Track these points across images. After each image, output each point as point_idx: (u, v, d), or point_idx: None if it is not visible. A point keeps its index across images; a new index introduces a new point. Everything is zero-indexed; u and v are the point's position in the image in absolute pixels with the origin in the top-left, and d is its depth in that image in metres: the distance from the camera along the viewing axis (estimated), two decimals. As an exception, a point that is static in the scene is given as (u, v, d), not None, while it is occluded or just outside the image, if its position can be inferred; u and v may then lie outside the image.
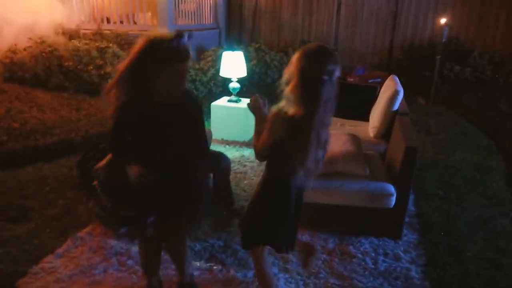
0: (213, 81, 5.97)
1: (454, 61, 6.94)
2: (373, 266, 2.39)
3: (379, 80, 5.71)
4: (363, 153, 2.71)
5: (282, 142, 1.56)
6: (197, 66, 5.97)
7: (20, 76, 5.71)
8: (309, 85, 1.50)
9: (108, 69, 5.56)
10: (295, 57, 1.55)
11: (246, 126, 4.34)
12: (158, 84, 1.57)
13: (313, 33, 8.43)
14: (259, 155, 1.67)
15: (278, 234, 1.74)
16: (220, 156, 2.97)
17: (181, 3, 7.16)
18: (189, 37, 2.29)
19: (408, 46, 7.89)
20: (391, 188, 2.50)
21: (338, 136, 2.90)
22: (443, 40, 5.78)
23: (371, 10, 8.14)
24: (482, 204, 3.09)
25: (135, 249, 2.45)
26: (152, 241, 1.92)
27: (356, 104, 3.86)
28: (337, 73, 1.53)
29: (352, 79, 6.11)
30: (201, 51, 7.49)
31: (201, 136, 1.86)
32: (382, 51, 8.27)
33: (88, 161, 3.35)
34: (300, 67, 1.51)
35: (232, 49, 4.84)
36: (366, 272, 2.34)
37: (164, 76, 1.55)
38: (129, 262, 2.37)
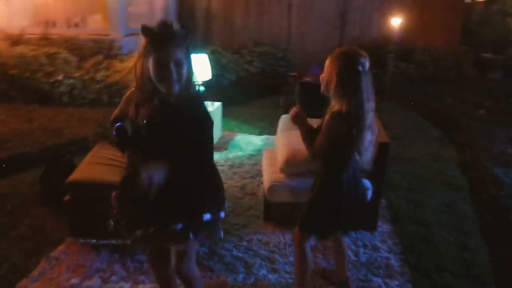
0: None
1: (399, 59, 7.37)
2: (355, 259, 2.49)
3: (312, 81, 5.93)
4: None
5: (340, 139, 1.79)
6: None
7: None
8: (349, 79, 1.74)
9: (60, 76, 5.29)
10: (329, 61, 1.83)
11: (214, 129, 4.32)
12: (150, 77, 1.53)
13: (266, 34, 8.54)
14: (317, 156, 1.91)
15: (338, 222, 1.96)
16: None
17: (130, 5, 6.96)
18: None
19: (356, 45, 8.23)
20: (367, 183, 2.61)
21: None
22: (397, 39, 6.10)
23: (321, 11, 8.40)
24: (443, 192, 3.33)
25: (117, 264, 2.37)
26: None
27: (319, 102, 3.97)
28: (368, 64, 1.78)
29: (308, 78, 6.27)
30: (154, 55, 7.33)
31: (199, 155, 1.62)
32: (332, 51, 8.51)
33: (51, 175, 3.19)
34: (338, 67, 1.77)
35: (196, 51, 4.79)
36: (350, 265, 2.43)
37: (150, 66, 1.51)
38: (113, 278, 2.28)
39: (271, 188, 2.66)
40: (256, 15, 8.49)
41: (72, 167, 3.14)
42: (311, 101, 4.08)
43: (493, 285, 2.29)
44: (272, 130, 4.87)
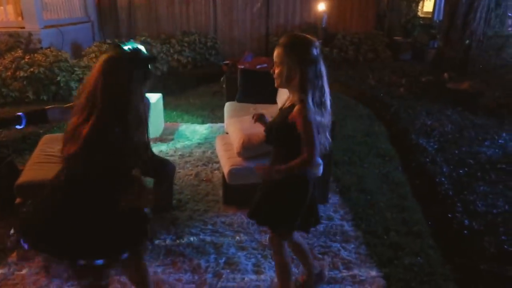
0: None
1: (323, 44, 7.81)
2: (313, 229, 2.71)
3: (265, 65, 6.14)
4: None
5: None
6: (82, 64, 5.53)
7: None
8: (310, 69, 1.67)
9: (-26, 74, 4.81)
10: (281, 53, 1.69)
11: (156, 120, 4.28)
12: None
13: (192, 23, 8.48)
14: (315, 159, 1.69)
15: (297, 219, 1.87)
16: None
17: (46, -6, 6.47)
18: None
19: (282, 32, 8.54)
20: (318, 159, 2.84)
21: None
22: (323, 25, 6.44)
23: (245, 0, 8.54)
24: (379, 163, 3.70)
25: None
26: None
27: (261, 89, 4.14)
28: (319, 45, 1.74)
29: (242, 66, 6.40)
30: (76, 47, 6.94)
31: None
32: (259, 38, 8.78)
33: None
34: (294, 58, 1.66)
35: (130, 43, 4.65)
36: (310, 235, 2.64)
37: None
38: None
39: (231, 172, 2.76)
40: (181, 3, 8.37)
41: (15, 169, 2.96)
42: (254, 87, 4.25)
43: (430, 236, 2.66)
44: (214, 118, 4.96)
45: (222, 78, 6.55)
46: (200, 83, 6.68)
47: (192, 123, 4.79)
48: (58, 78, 5.04)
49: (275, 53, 1.72)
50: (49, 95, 5.09)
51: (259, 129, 2.93)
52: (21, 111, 1.80)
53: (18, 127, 1.82)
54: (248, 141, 2.82)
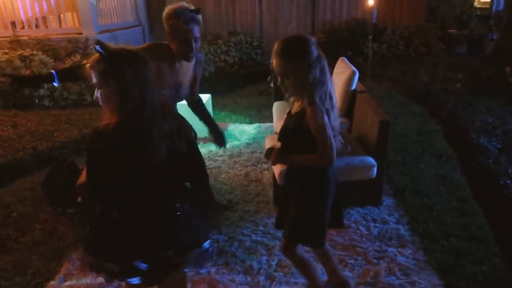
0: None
1: (372, 40, 7.57)
2: (367, 232, 2.64)
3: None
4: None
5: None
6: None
7: None
8: (313, 69, 1.60)
9: (38, 78, 5.12)
10: (279, 60, 1.63)
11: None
12: None
13: (238, 23, 8.54)
14: (333, 158, 1.66)
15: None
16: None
17: (99, 1, 6.77)
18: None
19: (329, 29, 8.39)
20: (372, 160, 2.75)
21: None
22: (373, 20, 6.26)
23: (291, -3, 8.47)
24: (435, 163, 3.53)
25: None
26: None
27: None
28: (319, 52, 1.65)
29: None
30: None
31: None
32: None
33: (55, 179, 3.14)
34: (296, 62, 1.60)
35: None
36: (363, 238, 2.58)
37: None
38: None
39: (282, 173, 2.74)
40: (227, 3, 8.45)
41: (76, 170, 3.12)
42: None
43: (495, 243, 2.49)
44: (261, 118, 4.96)
45: (268, 77, 6.54)
46: (247, 82, 6.71)
47: (240, 123, 4.83)
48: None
49: (276, 64, 1.65)
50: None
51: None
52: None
53: (54, 84, 2.09)
54: (299, 142, 2.78)
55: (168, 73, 2.24)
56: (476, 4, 9.56)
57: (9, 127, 4.38)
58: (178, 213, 1.55)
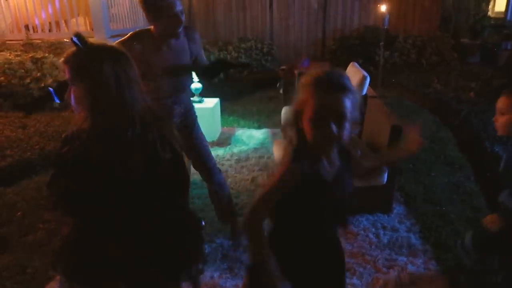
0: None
1: (384, 47, 7.51)
2: (377, 240, 2.56)
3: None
4: (350, 137, 2.86)
5: None
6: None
7: None
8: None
9: (48, 80, 5.16)
10: (306, 87, 1.20)
11: (213, 125, 4.32)
12: None
13: (249, 29, 8.55)
14: None
15: None
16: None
17: (112, 7, 6.82)
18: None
19: (339, 36, 8.35)
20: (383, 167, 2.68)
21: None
22: (385, 26, 6.21)
23: (302, 4, 8.47)
24: (448, 171, 3.43)
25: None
26: None
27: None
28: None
29: (299, 71, 6.33)
30: (140, 55, 7.22)
31: None
32: (315, 42, 8.66)
33: (60, 179, 3.12)
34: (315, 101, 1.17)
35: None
36: (373, 246, 2.49)
37: None
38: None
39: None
40: (238, 9, 8.47)
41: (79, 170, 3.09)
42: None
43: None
44: (270, 123, 4.91)
45: (278, 84, 6.52)
46: (256, 88, 6.68)
47: (249, 128, 4.78)
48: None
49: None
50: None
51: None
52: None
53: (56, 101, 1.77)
54: (307, 145, 2.72)
55: (156, 57, 2.11)
56: (490, 13, 9.44)
57: (17, 128, 4.39)
58: (167, 228, 1.35)
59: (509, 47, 8.08)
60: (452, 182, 3.25)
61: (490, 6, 9.47)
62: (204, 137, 2.44)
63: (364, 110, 3.37)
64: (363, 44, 7.79)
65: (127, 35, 2.16)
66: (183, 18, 2.08)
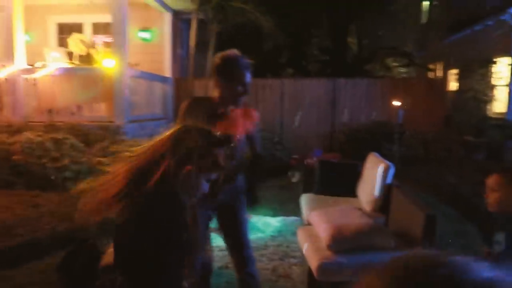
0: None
1: (390, 141, 7.70)
2: None
3: (335, 160, 6.11)
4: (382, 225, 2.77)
5: None
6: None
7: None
8: None
9: (65, 161, 5.19)
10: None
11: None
12: None
13: (261, 120, 8.79)
14: None
15: None
16: None
17: (133, 94, 7.17)
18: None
19: (347, 129, 8.62)
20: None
21: (350, 210, 2.96)
22: (399, 121, 6.43)
23: (312, 99, 8.91)
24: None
25: None
26: None
27: (340, 181, 4.02)
28: None
29: (311, 161, 6.41)
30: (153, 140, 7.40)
31: None
32: (324, 135, 8.91)
33: (74, 261, 2.96)
34: None
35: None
36: None
37: None
38: None
39: (321, 267, 2.52)
40: (252, 103, 8.88)
41: (96, 251, 2.94)
42: (333, 179, 4.14)
43: None
44: (285, 211, 4.82)
45: (289, 172, 6.56)
46: (268, 176, 6.70)
47: (264, 215, 4.67)
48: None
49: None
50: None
51: (349, 220, 2.76)
52: None
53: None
54: (339, 232, 2.62)
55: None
56: (490, 114, 9.87)
57: (29, 207, 4.30)
58: None
59: (513, 146, 8.28)
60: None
61: (489, 107, 9.93)
62: (247, 222, 2.37)
63: (389, 200, 3.33)
64: (371, 138, 8.01)
65: (187, 102, 2.20)
66: (248, 90, 2.19)
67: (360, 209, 3.09)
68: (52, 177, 4.94)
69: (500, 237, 1.87)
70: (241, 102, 2.21)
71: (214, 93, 2.22)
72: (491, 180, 1.82)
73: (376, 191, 3.39)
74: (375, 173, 3.47)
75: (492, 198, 1.81)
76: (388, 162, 3.45)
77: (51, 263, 3.16)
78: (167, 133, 1.44)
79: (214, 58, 2.22)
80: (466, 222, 4.34)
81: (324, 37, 16.86)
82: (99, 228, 3.86)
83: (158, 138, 1.49)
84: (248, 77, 2.17)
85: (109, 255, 2.60)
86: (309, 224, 3.35)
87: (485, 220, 4.22)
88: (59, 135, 5.49)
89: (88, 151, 5.52)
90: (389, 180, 3.39)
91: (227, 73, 2.16)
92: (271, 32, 9.62)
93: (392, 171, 3.39)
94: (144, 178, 1.32)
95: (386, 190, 3.37)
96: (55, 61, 6.82)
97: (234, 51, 2.20)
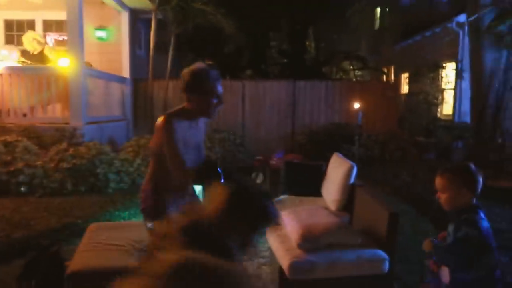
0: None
1: (346, 143, 7.95)
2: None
3: (296, 161, 6.23)
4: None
5: None
6: (121, 157, 5.66)
7: None
8: None
9: (19, 165, 4.92)
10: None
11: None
12: None
13: (222, 122, 8.84)
14: None
15: None
16: None
17: (90, 95, 6.91)
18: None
19: (308, 131, 8.82)
20: (383, 254, 2.66)
21: (316, 209, 3.04)
22: (359, 123, 6.64)
23: (272, 102, 9.02)
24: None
25: None
26: None
27: (306, 182, 4.11)
28: None
29: (274, 162, 6.49)
30: (112, 142, 7.19)
31: None
32: (285, 137, 9.06)
33: (35, 270, 2.81)
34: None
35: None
36: None
37: None
38: None
39: (292, 266, 2.57)
40: (213, 104, 8.83)
41: (60, 258, 2.81)
42: (297, 179, 4.22)
43: None
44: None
45: (253, 173, 6.60)
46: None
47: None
48: (98, 170, 5.12)
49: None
50: (87, 187, 5.12)
51: (317, 219, 2.83)
52: None
53: None
54: (308, 231, 2.68)
55: (192, 133, 2.19)
56: (439, 115, 10.46)
57: (-19, 214, 4.04)
58: None
59: (460, 146, 8.82)
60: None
61: (439, 109, 10.53)
62: None
63: (353, 199, 3.45)
64: (331, 139, 8.24)
65: (173, 111, 2.22)
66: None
67: (326, 208, 3.17)
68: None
69: (450, 229, 1.98)
70: (217, 112, 2.24)
71: (188, 105, 2.20)
72: (437, 182, 1.94)
73: (340, 191, 3.49)
74: (339, 173, 3.58)
75: (442, 198, 1.93)
76: (351, 162, 3.58)
77: (8, 271, 3.00)
78: None
79: (183, 74, 2.18)
80: (422, 219, 4.57)
81: (282, 40, 17.14)
82: (59, 234, 3.70)
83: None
84: (220, 87, 2.18)
85: (75, 262, 2.51)
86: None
87: (439, 216, 4.48)
88: (10, 138, 5.20)
89: (43, 154, 5.26)
90: (352, 179, 3.51)
91: (199, 88, 2.14)
92: (232, 34, 9.63)
93: (355, 171, 3.51)
94: None
95: (350, 189, 3.49)
96: (3, 60, 6.44)
97: (201, 64, 2.19)
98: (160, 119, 2.16)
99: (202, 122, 2.31)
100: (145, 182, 2.26)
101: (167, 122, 2.13)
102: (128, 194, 4.94)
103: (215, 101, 2.16)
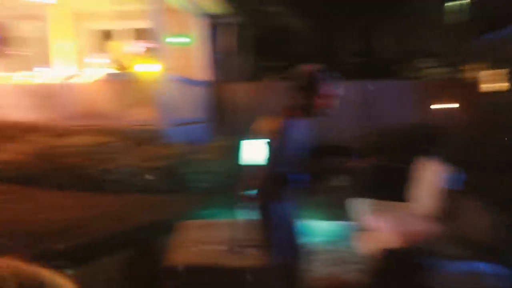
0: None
1: (431, 144, 7.46)
2: None
3: (388, 165, 5.98)
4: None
5: None
6: (202, 157, 5.87)
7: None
8: None
9: (111, 164, 5.32)
10: None
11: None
12: None
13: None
14: None
15: None
16: None
17: (175, 99, 7.23)
18: None
19: (382, 133, 8.43)
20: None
21: (412, 216, 2.89)
22: (447, 123, 6.22)
23: (344, 102, 8.75)
24: None
25: None
26: None
27: (393, 186, 3.94)
28: None
29: (359, 164, 6.30)
30: (196, 143, 7.45)
31: None
32: (359, 137, 8.73)
33: (136, 263, 2.99)
34: None
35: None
36: None
37: None
38: None
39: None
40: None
41: (156, 253, 2.97)
42: (386, 183, 4.05)
43: None
44: (334, 215, 4.72)
45: (338, 177, 6.43)
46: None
47: (309, 219, 4.60)
48: (185, 170, 5.37)
49: None
50: (176, 185, 5.34)
51: (414, 226, 2.68)
52: None
53: None
54: (406, 239, 2.54)
55: (302, 131, 2.28)
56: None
57: (85, 208, 4.41)
58: None
59: None
60: None
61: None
62: None
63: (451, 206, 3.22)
64: (410, 141, 7.80)
65: (287, 110, 2.29)
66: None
67: (423, 215, 2.99)
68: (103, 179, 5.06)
69: None
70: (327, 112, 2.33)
71: (300, 103, 2.28)
72: None
73: (436, 197, 3.28)
74: (435, 178, 3.37)
75: None
76: (451, 167, 3.34)
77: (111, 262, 3.21)
78: None
79: (298, 72, 2.32)
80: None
81: (354, 39, 16.66)
82: (152, 230, 3.92)
83: None
84: (334, 88, 2.28)
85: (170, 257, 2.63)
86: (368, 229, 3.28)
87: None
88: (106, 139, 5.62)
89: (133, 154, 5.62)
90: (451, 185, 3.27)
91: (311, 88, 2.26)
92: (304, 34, 9.54)
93: (454, 176, 3.27)
94: None
95: (448, 195, 3.26)
96: (98, 67, 7.00)
97: (313, 66, 2.32)
98: (275, 118, 2.26)
99: (310, 122, 2.38)
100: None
101: (283, 121, 2.23)
102: (215, 194, 5.08)
103: (325, 101, 2.26)
